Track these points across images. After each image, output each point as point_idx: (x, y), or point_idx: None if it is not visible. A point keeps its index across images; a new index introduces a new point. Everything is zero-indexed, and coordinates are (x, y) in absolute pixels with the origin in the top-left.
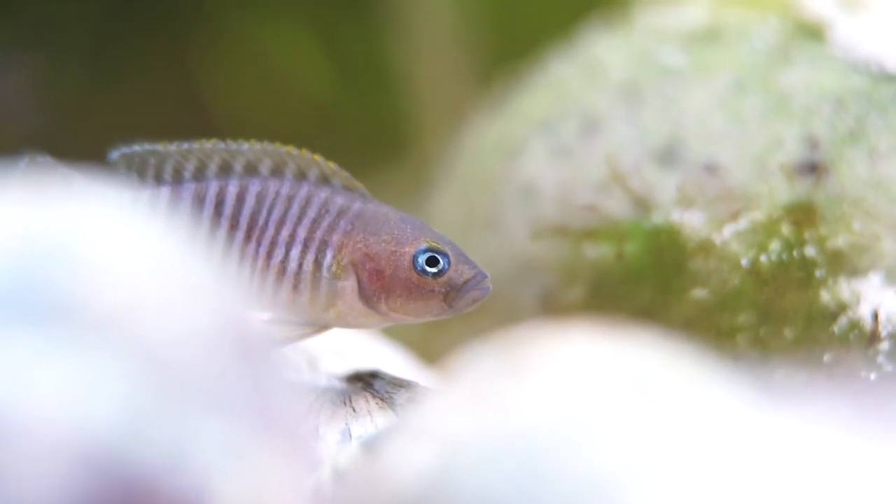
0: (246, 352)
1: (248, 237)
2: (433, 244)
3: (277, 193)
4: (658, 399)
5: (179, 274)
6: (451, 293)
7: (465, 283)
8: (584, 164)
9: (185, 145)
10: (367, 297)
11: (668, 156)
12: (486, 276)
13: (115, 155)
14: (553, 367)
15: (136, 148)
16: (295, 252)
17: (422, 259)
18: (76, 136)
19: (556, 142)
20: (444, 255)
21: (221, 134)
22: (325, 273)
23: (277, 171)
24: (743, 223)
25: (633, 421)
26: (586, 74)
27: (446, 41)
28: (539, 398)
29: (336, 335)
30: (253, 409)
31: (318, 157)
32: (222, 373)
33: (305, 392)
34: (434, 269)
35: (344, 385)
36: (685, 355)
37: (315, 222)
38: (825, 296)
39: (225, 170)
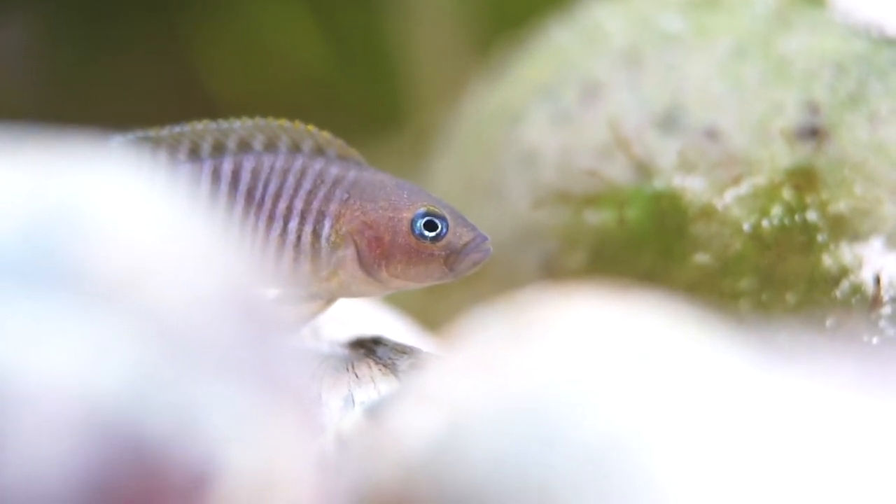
0: (253, 319)
1: (245, 213)
2: (431, 208)
3: (272, 167)
4: (665, 362)
5: (187, 241)
6: (452, 256)
7: (465, 245)
8: (584, 131)
9: (177, 128)
10: (368, 264)
11: (668, 121)
12: (485, 238)
13: (113, 144)
14: (560, 332)
15: (131, 136)
16: (293, 224)
17: (420, 223)
18: (69, 115)
19: (556, 108)
20: (443, 218)
21: (217, 111)
22: (324, 243)
23: (271, 146)
24: (744, 188)
25: (641, 384)
26: (586, 41)
27: (443, 12)
28: (546, 362)
29: (340, 303)
30: (260, 375)
31: (311, 128)
32: (230, 339)
33: (309, 359)
34: (432, 233)
35: (346, 352)
36: (690, 319)
37: (311, 193)
38: (827, 260)
39: (218, 149)
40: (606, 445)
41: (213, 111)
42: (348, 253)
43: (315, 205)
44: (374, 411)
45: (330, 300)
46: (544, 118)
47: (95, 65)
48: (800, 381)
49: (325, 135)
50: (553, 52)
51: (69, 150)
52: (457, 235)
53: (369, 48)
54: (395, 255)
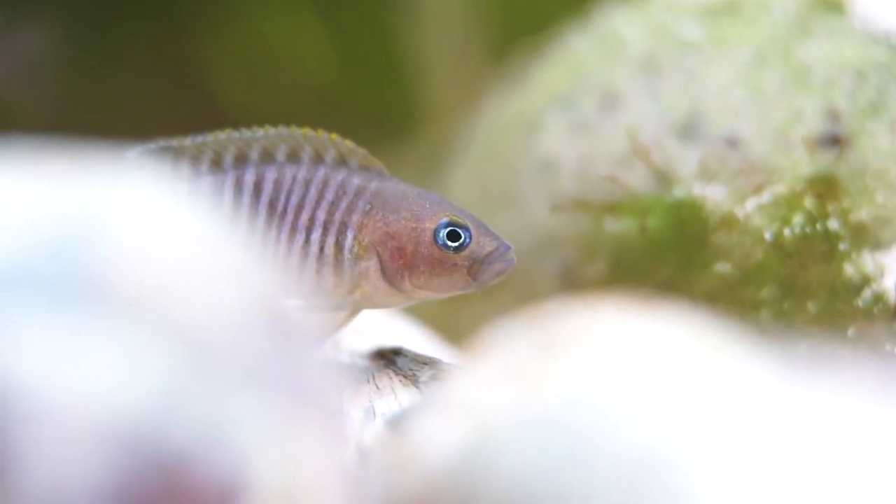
0: (278, 331)
1: (268, 224)
2: (454, 218)
3: (294, 178)
4: (695, 374)
5: (213, 253)
6: (475, 266)
7: (489, 255)
8: (603, 139)
9: (200, 138)
10: (391, 275)
11: (688, 130)
12: (509, 248)
13: (132, 154)
14: (588, 344)
15: (152, 145)
16: (315, 236)
17: (443, 234)
18: (78, 121)
19: (575, 117)
20: (465, 228)
21: (226, 118)
22: (346, 255)
23: (294, 156)
24: (765, 196)
25: (673, 396)
26: (604, 49)
27: (456, 18)
28: (576, 374)
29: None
30: (286, 387)
31: (334, 137)
32: (256, 352)
33: (333, 370)
34: (455, 244)
35: (367, 362)
36: (717, 330)
37: (333, 204)
38: (849, 269)
39: (241, 160)
40: (642, 458)
41: (222, 118)
42: (371, 264)
43: (338, 216)
44: (395, 422)
45: (354, 312)
46: (563, 127)
47: (103, 71)
48: (828, 393)
49: (349, 144)
50: (571, 61)
51: (93, 161)
52: (480, 245)
53: (380, 54)
54: (419, 266)
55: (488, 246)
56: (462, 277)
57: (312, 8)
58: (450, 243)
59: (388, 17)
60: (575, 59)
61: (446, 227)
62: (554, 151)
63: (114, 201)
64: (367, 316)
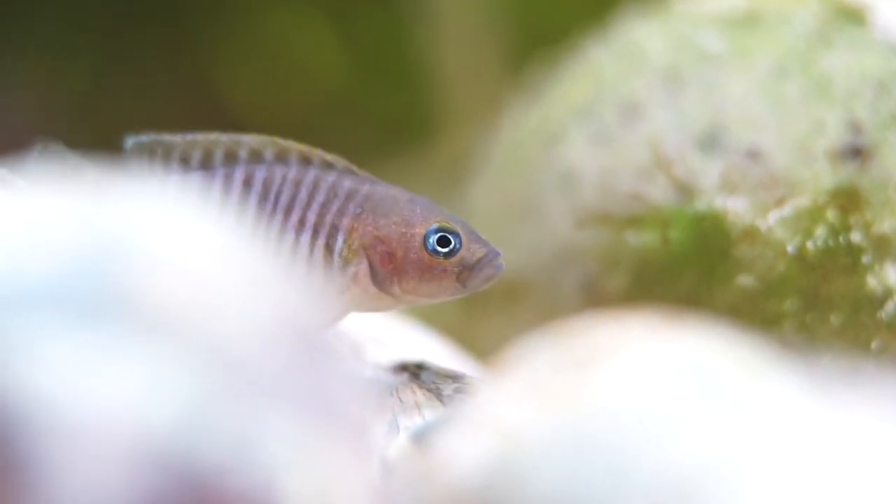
0: (306, 344)
1: (257, 224)
2: (444, 224)
3: (284, 178)
4: (731, 391)
5: (239, 267)
6: (465, 272)
7: (478, 261)
8: (624, 151)
9: (191, 135)
10: (380, 280)
11: (709, 142)
12: (498, 254)
13: (128, 144)
14: (622, 359)
15: (144, 138)
16: (305, 238)
17: (433, 239)
18: (89, 124)
19: (596, 128)
20: (456, 234)
21: (237, 124)
22: (336, 258)
23: (282, 158)
24: (788, 209)
25: (711, 413)
26: (625, 60)
27: (472, 26)
28: (611, 390)
29: (379, 325)
30: (314, 402)
31: (316, 151)
32: (285, 366)
33: (358, 384)
34: (445, 249)
35: (390, 376)
36: (746, 346)
37: (324, 206)
38: (872, 281)
39: (231, 157)
40: (682, 475)
41: (233, 124)
42: (361, 268)
43: (328, 218)
44: (420, 437)
45: (341, 314)
46: (584, 138)
47: (114, 80)
48: (865, 414)
49: (333, 156)
50: (591, 72)
51: (119, 178)
52: (470, 251)
53: (396, 62)
54: (408, 271)
55: (478, 252)
56: (451, 283)
57: (327, 14)
58: (440, 249)
59: (404, 24)
60: (596, 70)
61: (436, 232)
62: (575, 163)
63: (142, 218)
64: (388, 328)
